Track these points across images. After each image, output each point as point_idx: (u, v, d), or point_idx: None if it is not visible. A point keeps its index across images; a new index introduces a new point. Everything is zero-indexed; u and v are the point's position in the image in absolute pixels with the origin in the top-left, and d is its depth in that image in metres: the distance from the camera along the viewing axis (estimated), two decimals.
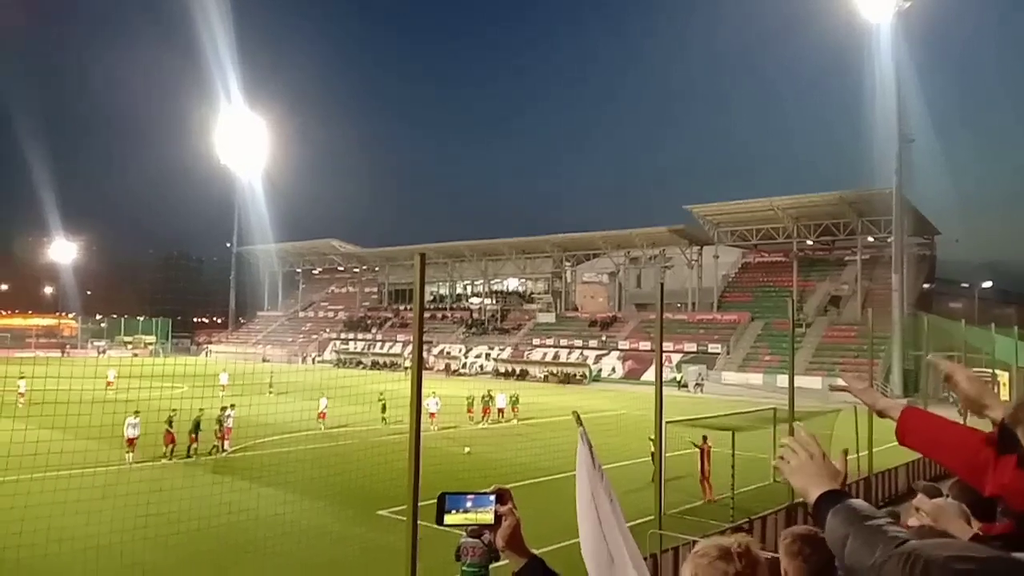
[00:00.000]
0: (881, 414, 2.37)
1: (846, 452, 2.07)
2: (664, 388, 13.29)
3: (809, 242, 72.17)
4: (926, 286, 70.66)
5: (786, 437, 2.06)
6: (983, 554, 1.34)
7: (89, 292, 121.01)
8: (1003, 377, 41.86)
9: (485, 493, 2.09)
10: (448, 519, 2.08)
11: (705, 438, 20.73)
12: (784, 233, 70.94)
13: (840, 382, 2.64)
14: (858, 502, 1.75)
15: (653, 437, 21.30)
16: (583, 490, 3.91)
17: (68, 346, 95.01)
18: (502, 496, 2.09)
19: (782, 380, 50.44)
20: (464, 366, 76.38)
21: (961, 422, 2.20)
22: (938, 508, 3.08)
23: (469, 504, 2.09)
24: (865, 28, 61.49)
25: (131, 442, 24.01)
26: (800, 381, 20.78)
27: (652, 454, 20.94)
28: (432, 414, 31.69)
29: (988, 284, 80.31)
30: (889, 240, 61.12)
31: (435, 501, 2.10)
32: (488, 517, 2.08)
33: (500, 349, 78.40)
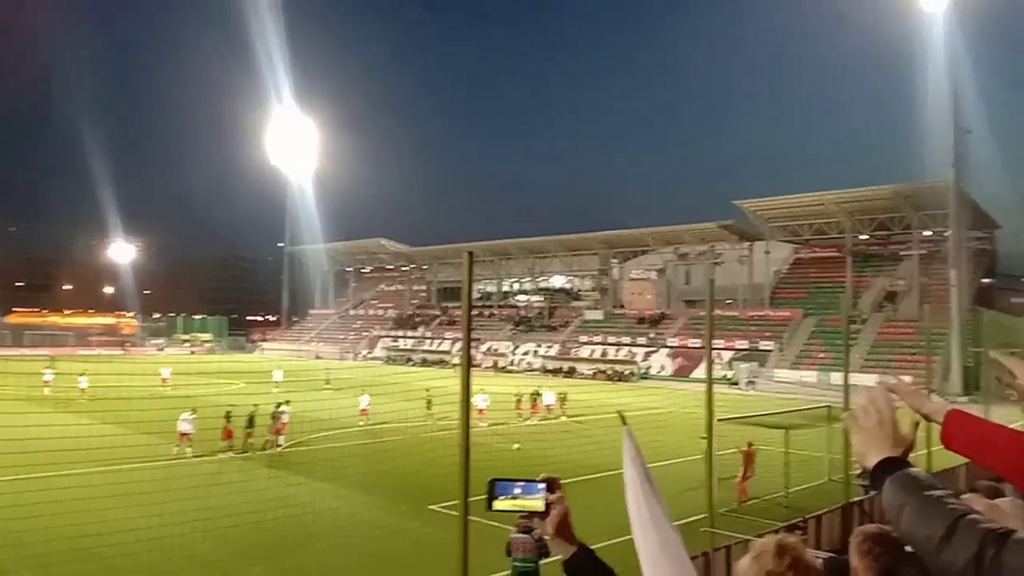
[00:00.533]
0: (927, 418, 2.34)
1: (917, 424, 2.02)
2: (714, 386, 13.18)
3: (863, 237, 70.59)
4: (986, 281, 68.62)
5: (865, 390, 2.03)
6: None
7: (147, 291, 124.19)
8: None
9: (534, 480, 2.09)
10: (497, 504, 2.09)
11: (751, 444, 20.42)
12: (837, 228, 69.52)
13: (891, 380, 2.60)
14: (918, 471, 1.74)
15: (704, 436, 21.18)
16: (631, 490, 3.96)
17: (128, 344, 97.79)
18: (551, 484, 2.08)
19: (836, 378, 49.46)
20: (512, 363, 76.59)
21: None
22: (993, 508, 3.03)
23: (518, 491, 2.09)
24: (920, 17, 59.94)
25: (184, 436, 24.64)
26: (855, 379, 20.35)
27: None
28: (481, 410, 31.87)
29: None
30: (946, 234, 59.53)
31: (485, 497, 2.10)
32: (537, 504, 2.07)
33: (548, 346, 78.40)
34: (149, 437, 22.63)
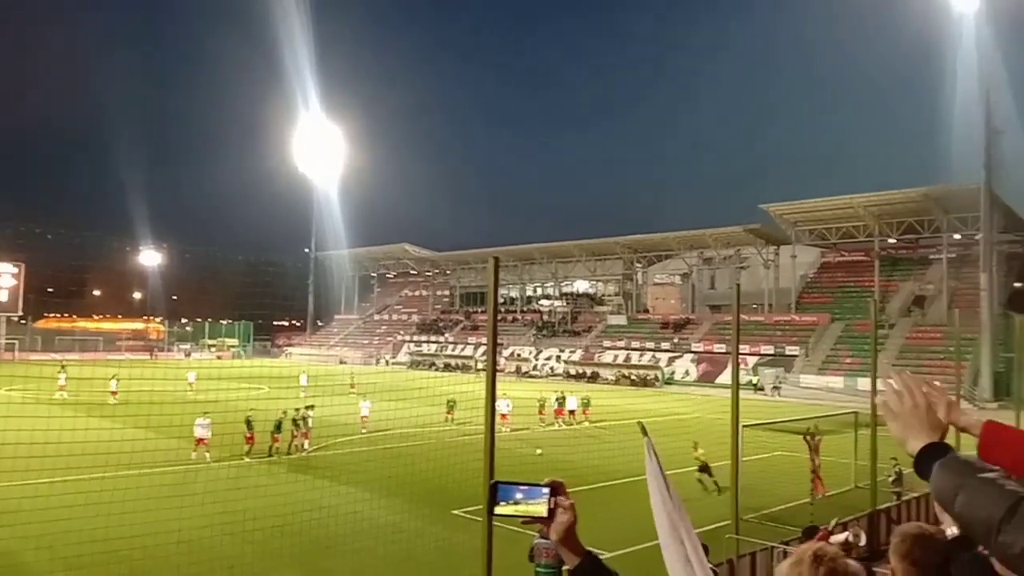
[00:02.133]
0: (963, 430, 2.34)
1: (951, 403, 2.01)
2: (740, 391, 13.10)
3: (891, 240, 69.72)
4: (1017, 285, 67.46)
5: (892, 376, 2.01)
6: None
7: (175, 297, 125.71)
8: None
9: (538, 485, 1.98)
10: (499, 509, 1.99)
11: (814, 434, 20.22)
12: (865, 231, 68.73)
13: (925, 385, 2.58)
14: (967, 455, 1.74)
15: (699, 453, 21.14)
16: (655, 503, 3.99)
17: (155, 349, 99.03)
18: (556, 488, 1.97)
19: (863, 383, 48.89)
20: (535, 368, 76.56)
21: None
22: None
23: (520, 495, 1.98)
24: (950, 17, 59.23)
25: (200, 442, 24.79)
26: (883, 384, 20.11)
27: (700, 465, 20.78)
28: (504, 415, 31.87)
29: None
30: (977, 237, 58.60)
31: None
32: (540, 509, 1.96)
33: (571, 351, 78.26)
34: (176, 441, 22.91)
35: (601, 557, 2.09)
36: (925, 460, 1.78)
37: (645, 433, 4.91)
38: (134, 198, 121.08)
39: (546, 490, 1.97)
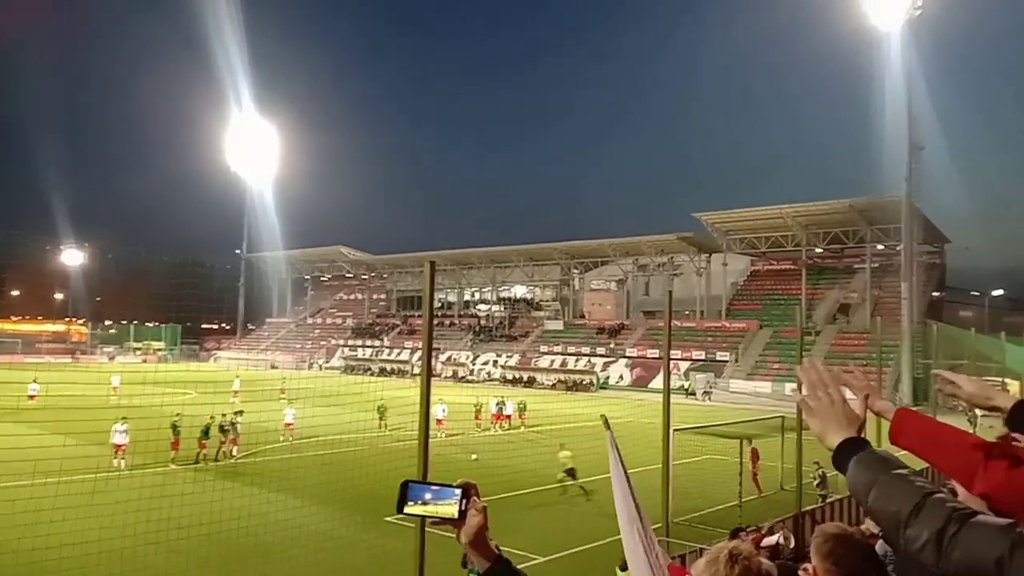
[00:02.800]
0: (878, 414, 2.42)
1: (866, 397, 2.08)
2: (672, 396, 13.30)
3: (818, 250, 72.03)
4: (936, 294, 70.39)
5: (810, 367, 2.08)
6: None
7: (99, 298, 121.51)
8: (1013, 386, 41.59)
9: (450, 486, 1.95)
10: (409, 509, 1.96)
11: (750, 440, 20.95)
12: (793, 241, 70.84)
13: (845, 373, 2.66)
14: (882, 451, 1.79)
15: (564, 456, 21.53)
16: (616, 491, 4.10)
17: (78, 352, 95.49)
18: (468, 491, 1.93)
19: (790, 388, 50.25)
20: (472, 373, 76.42)
21: (971, 431, 2.23)
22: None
23: (429, 496, 1.95)
24: (877, 35, 61.54)
25: (119, 448, 23.96)
26: (799, 373, 20.77)
27: (567, 470, 21.13)
28: (439, 420, 31.70)
29: (999, 292, 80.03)
30: (899, 248, 60.95)
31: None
32: (450, 511, 1.92)
33: (508, 356, 78.42)
34: (97, 448, 22.10)
35: (536, 561, 2.07)
36: (843, 455, 1.84)
37: (607, 427, 4.97)
38: (56, 197, 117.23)
39: (458, 491, 1.93)
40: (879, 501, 1.65)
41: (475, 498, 1.94)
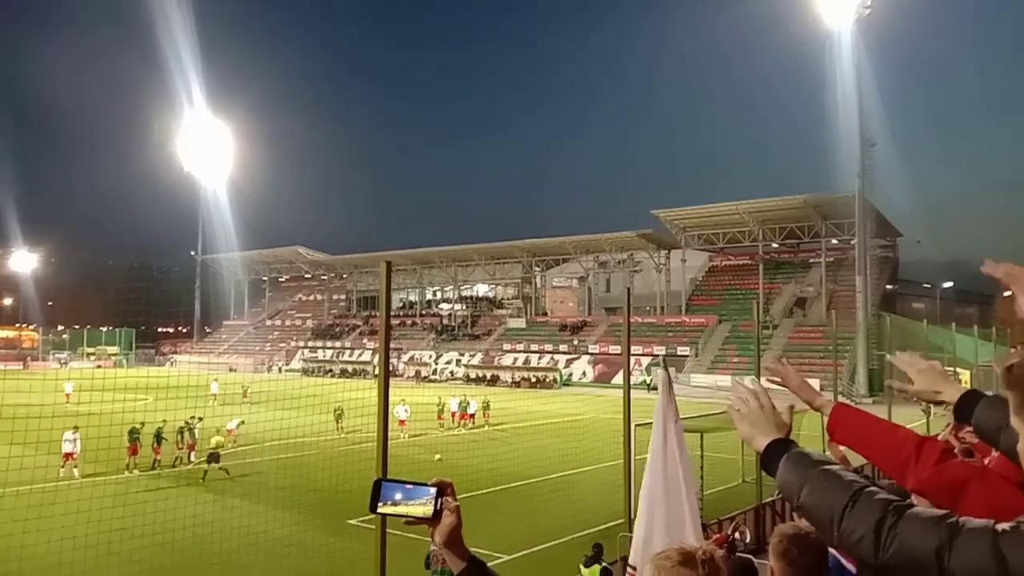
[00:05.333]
0: (816, 409, 2.43)
1: (792, 407, 2.10)
2: (633, 391, 13.33)
3: (774, 245, 73.19)
4: (889, 287, 71.91)
5: (738, 385, 2.11)
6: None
7: (50, 303, 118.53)
8: (964, 375, 42.64)
9: (425, 484, 1.92)
10: (382, 508, 1.92)
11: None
12: (750, 236, 71.81)
13: (773, 365, 2.67)
14: (808, 450, 1.82)
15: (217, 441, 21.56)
16: (658, 430, 4.11)
17: (29, 358, 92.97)
18: (443, 490, 1.91)
19: (749, 381, 50.93)
20: (434, 372, 76.13)
21: (926, 420, 2.24)
22: None
23: (400, 495, 1.92)
24: (827, 34, 62.58)
25: (69, 457, 23.35)
26: (767, 382, 20.98)
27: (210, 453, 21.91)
28: (402, 421, 31.45)
29: (949, 284, 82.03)
30: (853, 243, 62.14)
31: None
32: (424, 510, 1.89)
33: (470, 355, 78.27)
34: (51, 458, 21.50)
35: (501, 559, 2.01)
36: (771, 456, 1.86)
37: (665, 367, 5.02)
38: (4, 199, 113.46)
39: (432, 490, 1.90)
40: (811, 497, 1.67)
41: (448, 498, 1.91)
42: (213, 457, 23.60)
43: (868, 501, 1.56)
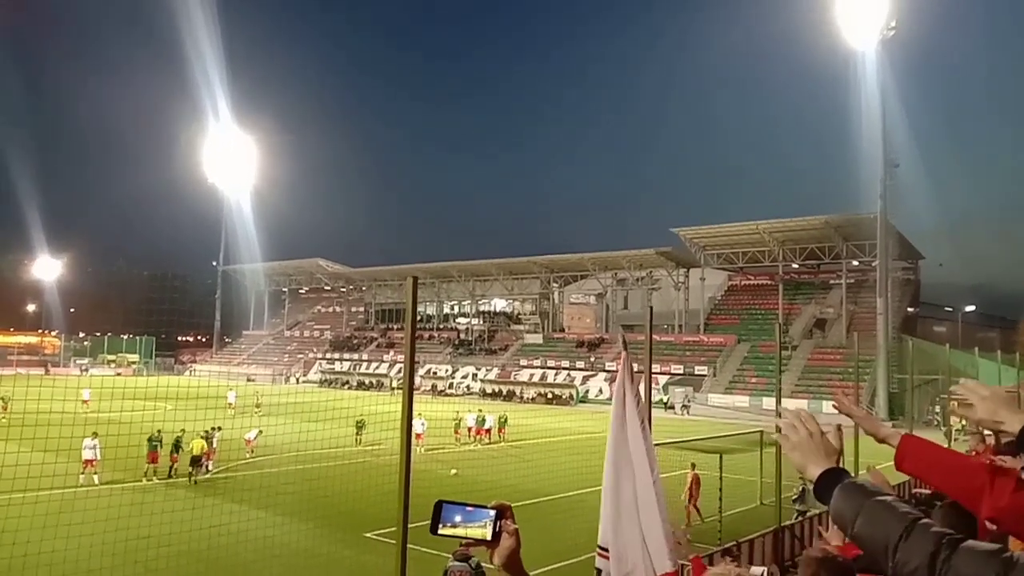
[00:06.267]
0: (882, 441, 2.47)
1: (839, 427, 2.15)
2: (651, 410, 13.31)
3: (795, 265, 72.72)
4: (910, 310, 71.25)
5: (786, 411, 2.14)
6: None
7: (73, 310, 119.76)
8: None
9: (483, 507, 1.96)
10: (443, 530, 1.94)
11: (693, 465, 20.65)
12: (770, 256, 71.45)
13: (843, 402, 2.71)
14: (863, 479, 1.88)
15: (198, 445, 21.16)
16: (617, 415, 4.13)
17: (50, 364, 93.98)
18: (502, 512, 1.94)
19: (768, 402, 50.62)
20: (451, 386, 76.15)
21: (945, 445, 2.28)
22: None
23: (460, 517, 1.94)
24: (851, 53, 62.45)
25: (88, 463, 23.54)
26: (786, 403, 20.86)
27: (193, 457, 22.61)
28: (418, 435, 31.44)
29: (971, 308, 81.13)
30: (874, 264, 61.67)
31: (422, 524, 1.98)
32: (483, 532, 1.93)
33: (487, 370, 78.25)
34: (69, 464, 21.71)
35: None
36: (824, 485, 1.90)
37: (625, 347, 4.98)
38: (30, 208, 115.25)
39: (491, 512, 1.94)
40: (865, 527, 1.70)
41: (507, 520, 1.96)
42: (195, 462, 24.41)
43: (923, 533, 1.59)
